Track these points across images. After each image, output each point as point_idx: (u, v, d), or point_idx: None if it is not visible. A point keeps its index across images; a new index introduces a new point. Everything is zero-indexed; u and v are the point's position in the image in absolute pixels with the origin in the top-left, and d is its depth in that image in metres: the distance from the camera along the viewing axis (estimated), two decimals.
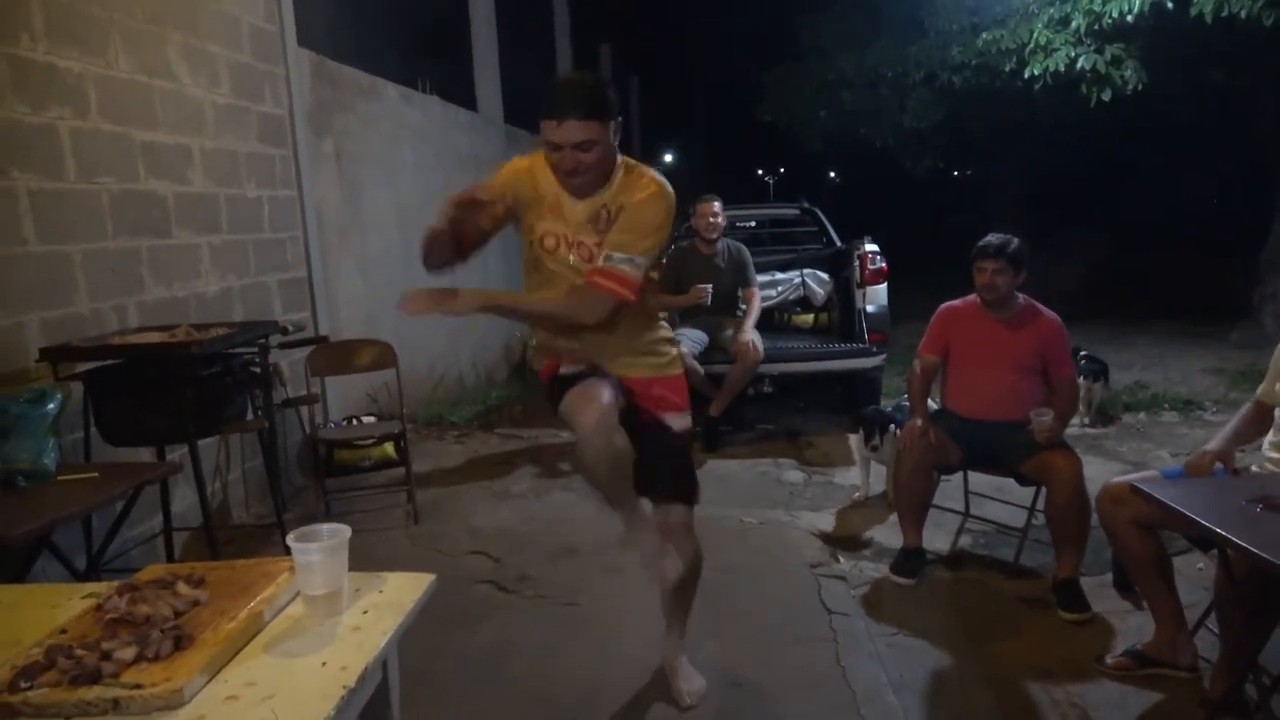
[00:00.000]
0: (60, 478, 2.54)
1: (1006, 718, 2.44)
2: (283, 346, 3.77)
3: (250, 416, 3.42)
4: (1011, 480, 3.36)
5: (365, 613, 1.44)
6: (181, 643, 1.28)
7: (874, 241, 5.66)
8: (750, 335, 5.02)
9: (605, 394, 2.14)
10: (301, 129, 4.70)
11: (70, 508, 2.39)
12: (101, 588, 1.52)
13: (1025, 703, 2.48)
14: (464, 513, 4.14)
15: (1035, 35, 7.25)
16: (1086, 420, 5.19)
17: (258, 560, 1.62)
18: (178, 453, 3.26)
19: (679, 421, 2.34)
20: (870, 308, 5.49)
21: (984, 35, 7.79)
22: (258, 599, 1.44)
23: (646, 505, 2.32)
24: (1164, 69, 7.42)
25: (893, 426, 3.86)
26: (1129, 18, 6.61)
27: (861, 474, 4.18)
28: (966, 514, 3.75)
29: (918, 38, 8.76)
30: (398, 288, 2.08)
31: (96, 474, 2.60)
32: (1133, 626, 2.81)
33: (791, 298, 6.29)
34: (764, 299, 5.56)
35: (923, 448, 3.24)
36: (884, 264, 5.58)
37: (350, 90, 5.45)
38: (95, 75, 3.25)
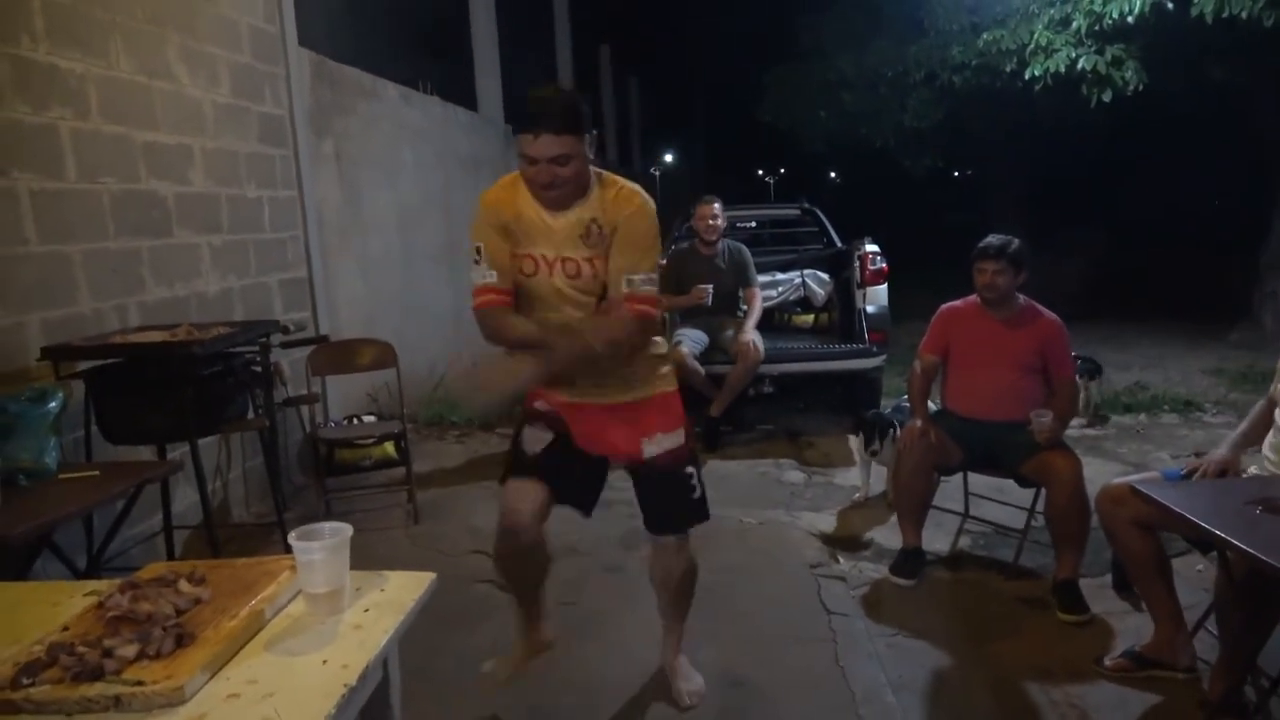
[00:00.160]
0: (61, 476, 2.54)
1: (1006, 718, 2.44)
2: (284, 346, 3.76)
3: (251, 416, 3.42)
4: (1011, 481, 3.36)
5: (366, 611, 1.44)
6: (183, 640, 1.28)
7: (874, 242, 5.66)
8: (751, 335, 5.02)
9: (535, 503, 2.24)
10: (302, 129, 4.71)
11: (71, 506, 2.40)
12: (103, 585, 1.52)
13: (1024, 703, 2.48)
14: (464, 512, 4.14)
15: (1036, 36, 7.25)
16: (1084, 420, 5.19)
17: (259, 559, 1.62)
18: (178, 451, 3.26)
19: (675, 439, 2.32)
20: (870, 308, 5.49)
21: (984, 35, 7.77)
22: (259, 597, 1.44)
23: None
24: (1164, 68, 7.41)
25: (892, 430, 3.86)
26: (1129, 18, 6.61)
27: (862, 475, 4.18)
28: (966, 515, 3.75)
29: (918, 38, 8.75)
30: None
31: (97, 473, 2.60)
32: (1132, 628, 2.81)
33: (792, 298, 6.28)
34: (764, 299, 5.55)
35: (923, 448, 3.24)
36: (884, 264, 5.58)
37: (350, 90, 5.45)
38: (96, 76, 3.25)
